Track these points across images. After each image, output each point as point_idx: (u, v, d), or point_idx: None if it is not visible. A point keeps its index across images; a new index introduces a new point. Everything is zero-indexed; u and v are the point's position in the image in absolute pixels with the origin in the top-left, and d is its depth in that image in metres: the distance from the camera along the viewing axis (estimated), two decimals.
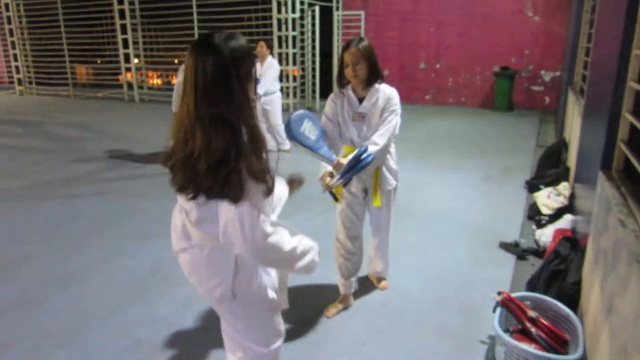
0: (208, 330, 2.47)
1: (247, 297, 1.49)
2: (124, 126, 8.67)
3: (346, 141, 2.47)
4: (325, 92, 10.50)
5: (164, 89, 12.96)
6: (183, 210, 1.48)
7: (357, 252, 2.67)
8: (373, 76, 2.35)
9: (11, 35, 13.12)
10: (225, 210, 1.33)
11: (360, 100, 2.41)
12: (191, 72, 1.28)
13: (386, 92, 2.38)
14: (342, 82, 2.41)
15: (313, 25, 10.42)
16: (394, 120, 2.36)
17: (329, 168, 2.28)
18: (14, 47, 13.22)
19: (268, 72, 6.03)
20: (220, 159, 1.26)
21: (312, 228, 3.64)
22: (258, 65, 6.15)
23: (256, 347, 1.58)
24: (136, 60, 12.15)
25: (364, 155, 2.06)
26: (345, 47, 2.30)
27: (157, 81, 14.22)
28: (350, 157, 2.19)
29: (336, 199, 2.47)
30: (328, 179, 2.24)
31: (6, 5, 12.83)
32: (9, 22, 13.00)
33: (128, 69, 12.09)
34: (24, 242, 3.64)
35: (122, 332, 2.48)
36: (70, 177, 5.42)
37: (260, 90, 5.96)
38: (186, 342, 2.40)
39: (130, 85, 12.23)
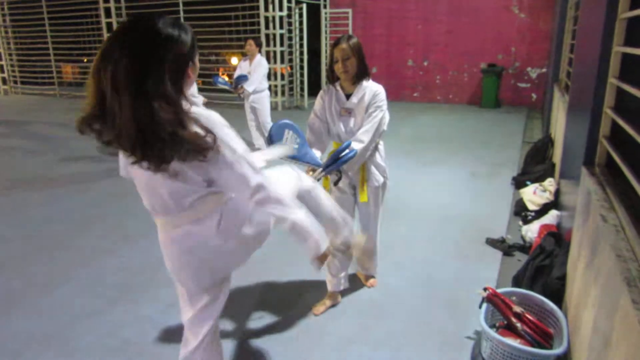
0: None
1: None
2: None
3: (334, 137, 2.52)
4: (313, 90, 10.51)
5: None
6: (160, 214, 1.53)
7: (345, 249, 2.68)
8: (362, 72, 2.40)
9: None
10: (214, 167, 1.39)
11: (348, 96, 2.45)
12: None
13: (373, 88, 2.43)
14: (333, 78, 2.46)
15: (300, 23, 10.40)
16: (379, 116, 2.39)
17: None
18: None
19: (257, 70, 6.01)
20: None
21: None
22: (247, 62, 6.13)
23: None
24: None
25: (346, 152, 2.08)
26: (335, 44, 2.35)
27: None
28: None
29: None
30: (310, 172, 2.30)
31: None
32: None
33: None
34: (8, 242, 3.59)
35: (109, 332, 2.46)
36: (56, 177, 5.36)
37: (249, 87, 5.95)
38: (173, 342, 2.38)
39: None
